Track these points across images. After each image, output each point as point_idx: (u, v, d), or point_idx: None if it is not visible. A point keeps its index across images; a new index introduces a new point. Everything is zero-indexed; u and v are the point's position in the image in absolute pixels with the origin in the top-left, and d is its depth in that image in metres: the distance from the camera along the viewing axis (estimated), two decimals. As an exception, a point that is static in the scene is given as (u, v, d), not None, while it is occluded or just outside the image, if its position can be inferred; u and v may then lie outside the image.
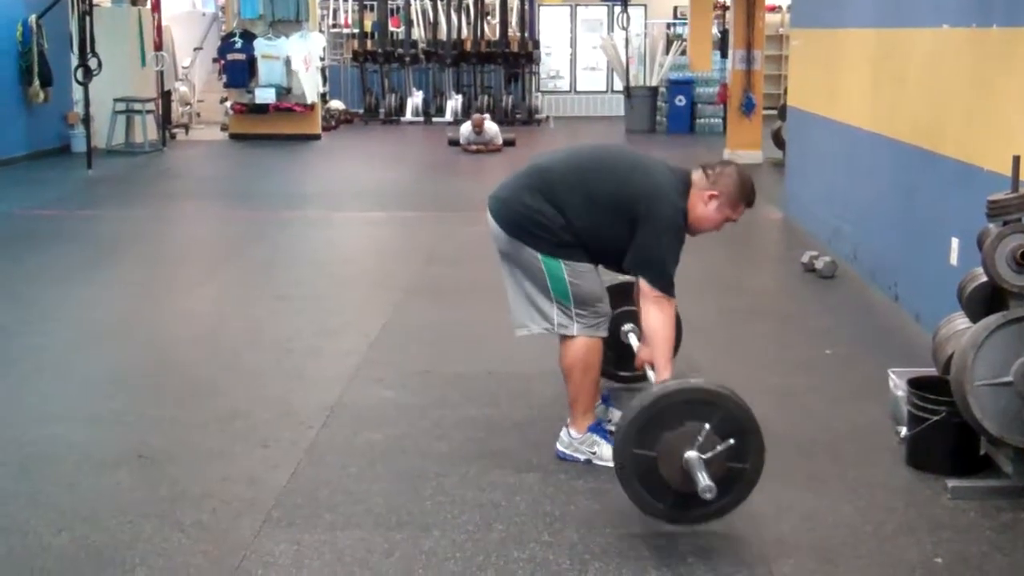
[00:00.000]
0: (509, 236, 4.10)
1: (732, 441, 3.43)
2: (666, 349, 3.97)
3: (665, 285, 3.95)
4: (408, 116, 19.10)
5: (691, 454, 3.42)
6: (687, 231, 4.09)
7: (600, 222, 3.99)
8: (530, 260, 4.06)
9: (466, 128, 15.03)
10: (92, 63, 12.81)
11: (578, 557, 3.46)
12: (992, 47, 5.19)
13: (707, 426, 3.43)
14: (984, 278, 3.99)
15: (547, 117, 19.79)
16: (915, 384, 4.20)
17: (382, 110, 19.20)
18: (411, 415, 4.73)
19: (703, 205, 4.05)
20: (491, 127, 15.02)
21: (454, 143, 15.20)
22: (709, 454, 3.42)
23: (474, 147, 14.76)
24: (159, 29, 15.98)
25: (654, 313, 3.94)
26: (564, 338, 4.12)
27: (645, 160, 4.18)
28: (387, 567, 3.39)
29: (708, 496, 3.37)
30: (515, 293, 4.20)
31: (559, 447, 4.20)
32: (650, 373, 4.09)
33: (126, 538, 3.57)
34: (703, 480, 3.37)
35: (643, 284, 3.97)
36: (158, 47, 15.82)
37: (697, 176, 4.08)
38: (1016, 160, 4.01)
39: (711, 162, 4.17)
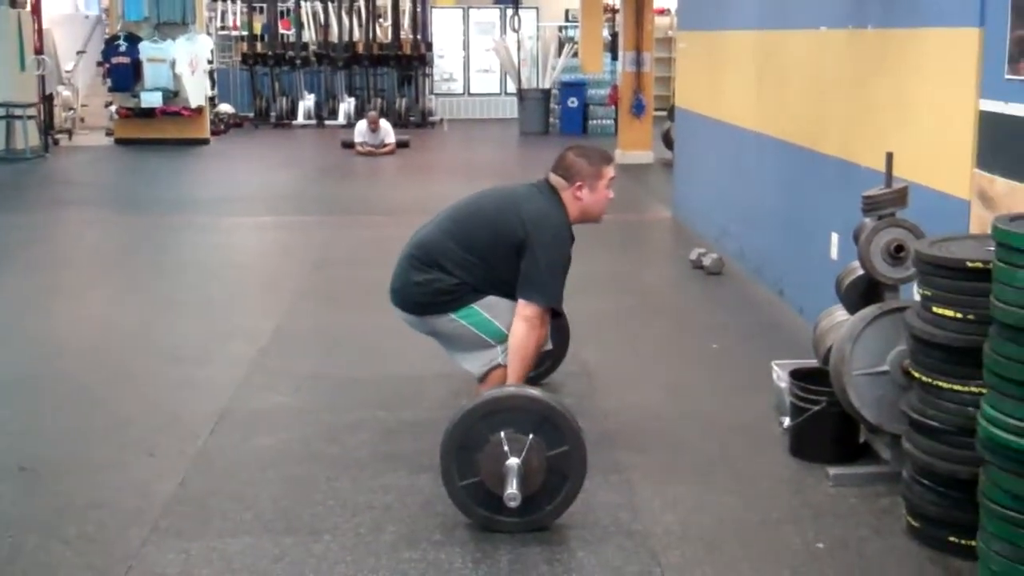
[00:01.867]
0: (419, 317, 4.22)
1: (531, 436, 3.52)
2: (522, 368, 4.06)
3: (548, 298, 4.05)
4: (300, 119, 18.92)
5: (511, 462, 3.51)
6: (589, 221, 4.24)
7: (494, 267, 4.11)
8: (449, 325, 4.17)
9: (361, 126, 14.98)
10: (-31, 67, 12.44)
11: (470, 556, 3.47)
12: (867, 48, 5.35)
13: (502, 434, 3.54)
14: (861, 271, 4.12)
15: (441, 120, 19.79)
16: (797, 375, 4.31)
17: (273, 113, 18.99)
18: (302, 420, 4.70)
19: (578, 201, 4.19)
20: (385, 126, 15.01)
21: (348, 145, 15.11)
22: (523, 453, 3.51)
23: (367, 149, 14.70)
24: (40, 32, 15.56)
25: (523, 331, 4.04)
26: (492, 369, 4.20)
27: (509, 193, 4.29)
28: (277, 572, 3.37)
29: (513, 504, 3.46)
30: (458, 355, 4.29)
31: None
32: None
33: (6, 553, 3.48)
34: (510, 488, 3.47)
35: (521, 304, 4.04)
36: (39, 50, 15.41)
37: (554, 180, 4.21)
38: (889, 156, 4.15)
39: (550, 165, 4.28)
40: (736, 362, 5.51)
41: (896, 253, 3.96)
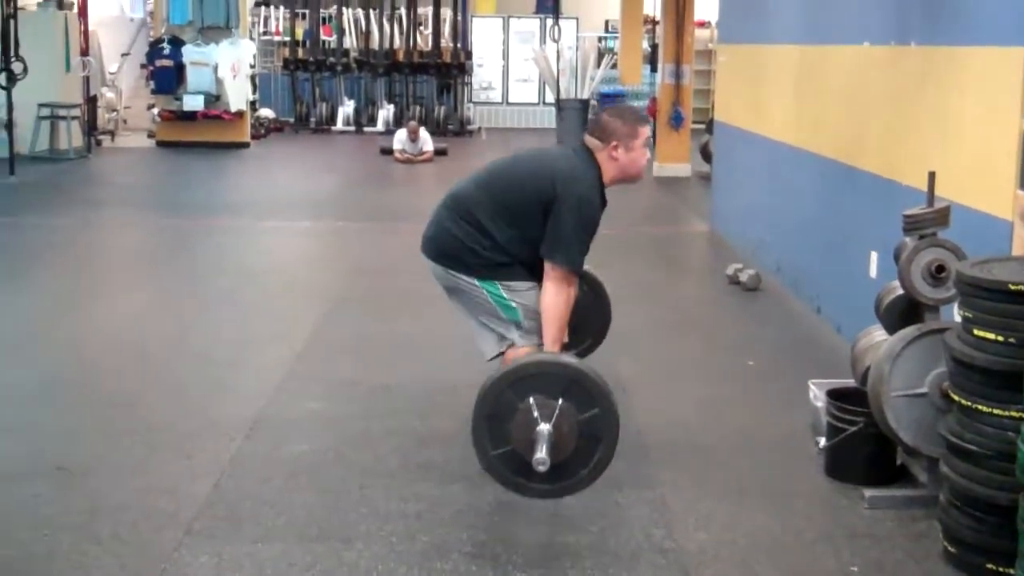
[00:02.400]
0: (445, 269, 4.17)
1: (561, 400, 3.50)
2: (555, 329, 4.01)
3: (571, 262, 4.01)
4: (339, 125, 19.00)
5: (542, 428, 3.49)
6: (628, 181, 4.22)
7: (524, 227, 4.06)
8: (470, 289, 4.13)
9: (401, 135, 15.02)
10: (16, 67, 12.57)
11: (501, 568, 3.47)
12: (910, 65, 5.31)
13: (531, 400, 3.51)
14: (900, 291, 4.08)
15: (479, 128, 19.80)
16: (834, 395, 4.27)
17: (313, 119, 19.07)
18: (336, 426, 4.71)
19: (615, 161, 4.15)
20: (424, 134, 15.05)
21: (386, 152, 15.16)
22: (553, 419, 3.49)
23: (406, 156, 14.75)
24: (86, 34, 15.73)
25: (552, 292, 3.99)
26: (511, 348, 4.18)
27: (544, 153, 4.37)
28: (309, 579, 3.38)
29: (541, 469, 3.44)
30: (474, 325, 4.26)
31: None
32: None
33: (42, 552, 3.51)
34: (539, 452, 3.45)
35: (547, 266, 4.01)
36: (84, 52, 15.56)
37: (590, 142, 4.19)
38: (931, 176, 4.12)
39: (587, 128, 4.28)
40: (772, 379, 5.47)
41: (937, 273, 3.93)
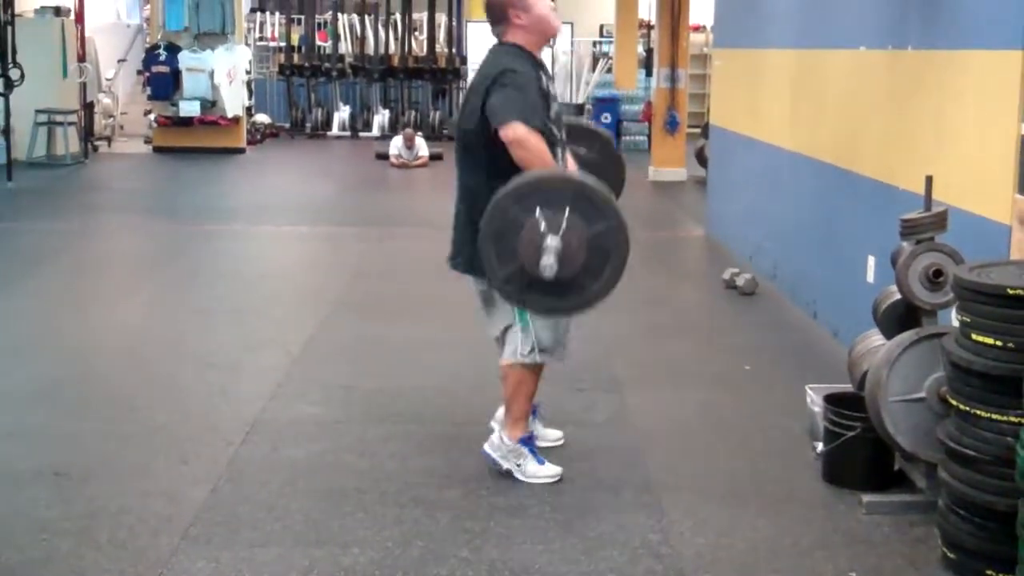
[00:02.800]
0: (475, 277, 4.12)
1: (568, 213, 3.46)
2: (540, 165, 3.83)
3: (506, 119, 3.83)
4: (335, 130, 19.00)
5: (548, 240, 3.47)
6: (547, 40, 4.16)
7: (479, 148, 3.99)
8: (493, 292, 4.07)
9: (397, 142, 15.04)
10: (14, 74, 12.55)
11: (497, 573, 3.46)
12: (907, 69, 5.32)
13: (538, 214, 3.49)
14: (898, 296, 4.09)
15: (475, 133, 19.81)
16: (831, 400, 4.27)
17: (308, 124, 19.08)
18: (333, 431, 4.71)
19: (523, 28, 4.06)
20: (420, 141, 15.08)
21: (382, 157, 15.18)
22: (560, 229, 3.46)
23: (402, 161, 14.76)
24: (83, 40, 15.70)
25: (518, 155, 3.83)
26: (504, 361, 4.18)
27: (476, 78, 4.17)
28: (306, 584, 3.37)
29: (548, 274, 3.44)
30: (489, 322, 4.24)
31: (486, 447, 4.20)
32: None
33: (40, 556, 3.50)
34: (545, 258, 3.44)
35: (500, 133, 3.85)
36: (81, 58, 15.55)
37: (494, 32, 4.13)
38: (928, 180, 4.12)
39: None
40: (769, 384, 5.47)
41: (935, 278, 3.93)
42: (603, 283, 3.58)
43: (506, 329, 4.17)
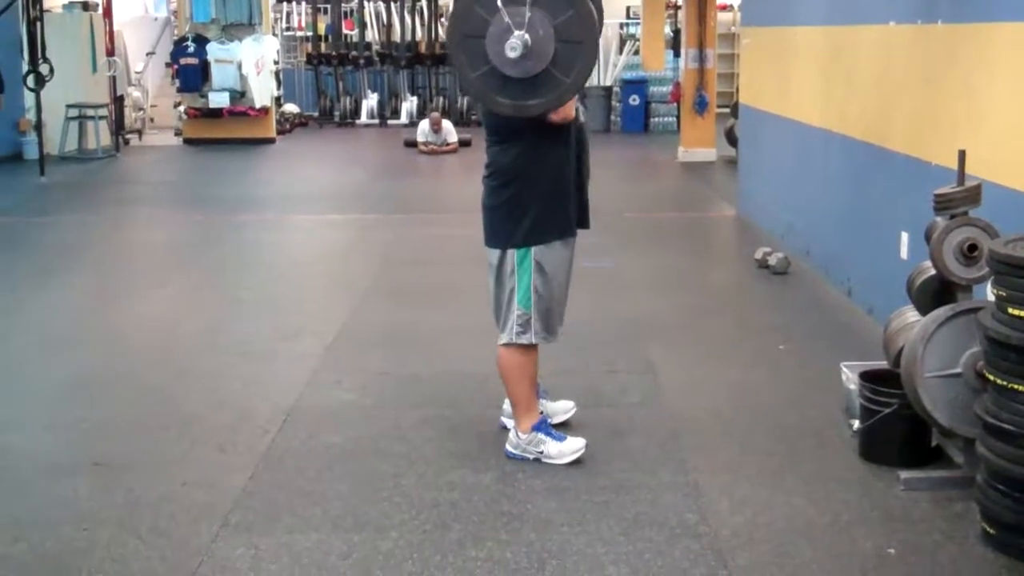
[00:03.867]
0: (488, 247, 4.16)
1: (531, 5, 3.44)
2: None
3: None
4: (363, 119, 19.05)
5: (515, 35, 3.46)
6: None
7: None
8: (503, 264, 4.10)
9: (424, 126, 15.04)
10: (44, 69, 12.66)
11: (536, 556, 3.47)
12: (937, 43, 5.27)
13: (501, 8, 3.46)
14: (932, 271, 4.06)
15: (503, 118, 19.78)
16: (867, 377, 4.25)
17: (337, 113, 19.13)
18: (369, 417, 4.73)
19: None
20: (447, 125, 15.05)
21: (410, 144, 15.19)
22: (525, 23, 3.45)
23: (430, 147, 14.76)
24: (111, 34, 15.82)
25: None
26: (501, 345, 4.21)
27: None
28: (345, 569, 3.39)
29: (512, 54, 3.42)
30: (493, 301, 4.26)
31: (508, 447, 4.24)
32: None
33: (82, 546, 3.55)
34: (512, 39, 3.43)
35: None
36: (110, 52, 15.67)
37: None
38: (962, 155, 4.09)
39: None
40: (803, 363, 5.45)
41: (969, 253, 3.90)
42: (576, 74, 3.54)
43: (503, 311, 4.17)
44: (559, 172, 4.07)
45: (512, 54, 3.40)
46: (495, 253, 4.15)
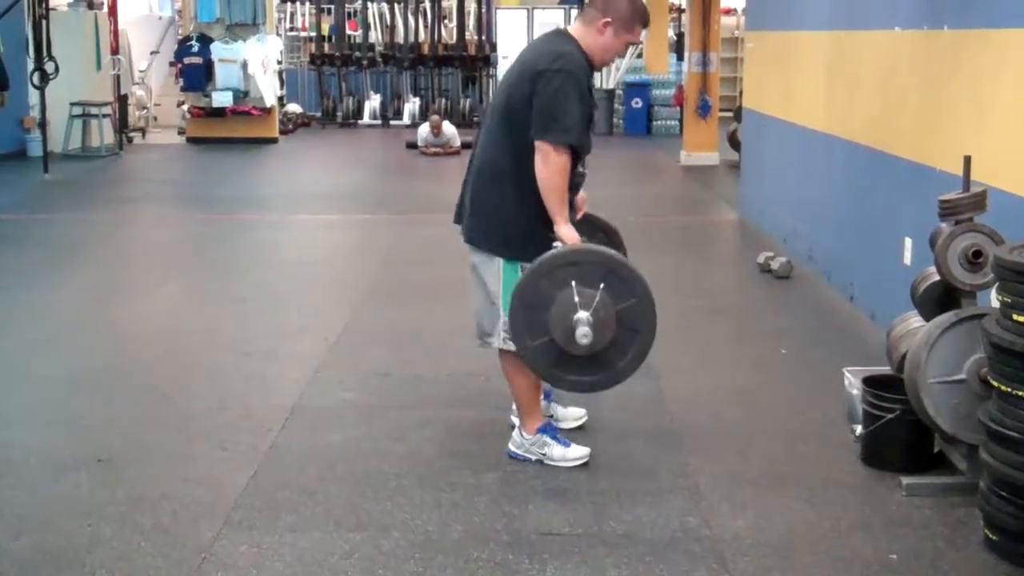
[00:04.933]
0: (471, 246, 4.16)
1: (602, 285, 3.52)
2: (554, 198, 3.90)
3: (551, 134, 3.89)
4: (366, 119, 19.06)
5: (580, 315, 3.53)
6: (591, 62, 4.08)
7: (521, 131, 3.96)
8: (486, 269, 4.10)
9: (424, 130, 15.04)
10: (48, 67, 12.68)
11: (537, 557, 3.47)
12: (942, 49, 5.27)
13: (569, 288, 3.54)
14: (936, 277, 4.06)
15: (505, 120, 19.79)
16: (870, 382, 4.25)
17: (339, 113, 19.14)
18: (371, 417, 4.73)
19: (599, 35, 4.06)
20: (449, 129, 15.04)
21: (412, 146, 15.19)
22: (593, 305, 3.52)
23: (432, 150, 14.76)
24: (116, 33, 15.82)
25: (539, 164, 3.90)
26: (502, 351, 4.18)
27: (523, 52, 4.20)
28: (347, 568, 3.39)
29: (584, 341, 3.50)
30: (474, 305, 4.26)
31: (511, 447, 4.24)
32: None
33: (85, 542, 3.55)
34: (581, 327, 3.50)
35: (536, 141, 3.90)
36: (115, 51, 15.67)
37: (588, 10, 4.10)
38: (967, 160, 4.09)
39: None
40: (806, 368, 5.45)
41: (974, 259, 3.90)
42: (630, 359, 3.65)
43: (489, 315, 4.15)
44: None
45: (584, 340, 3.49)
46: (481, 255, 4.14)
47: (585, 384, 3.63)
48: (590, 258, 3.62)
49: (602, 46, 4.07)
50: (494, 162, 4.08)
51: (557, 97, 3.90)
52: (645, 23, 4.15)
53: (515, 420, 4.38)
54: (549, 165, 3.89)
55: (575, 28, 4.12)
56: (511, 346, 4.02)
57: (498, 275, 4.06)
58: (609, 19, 4.03)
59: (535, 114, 3.92)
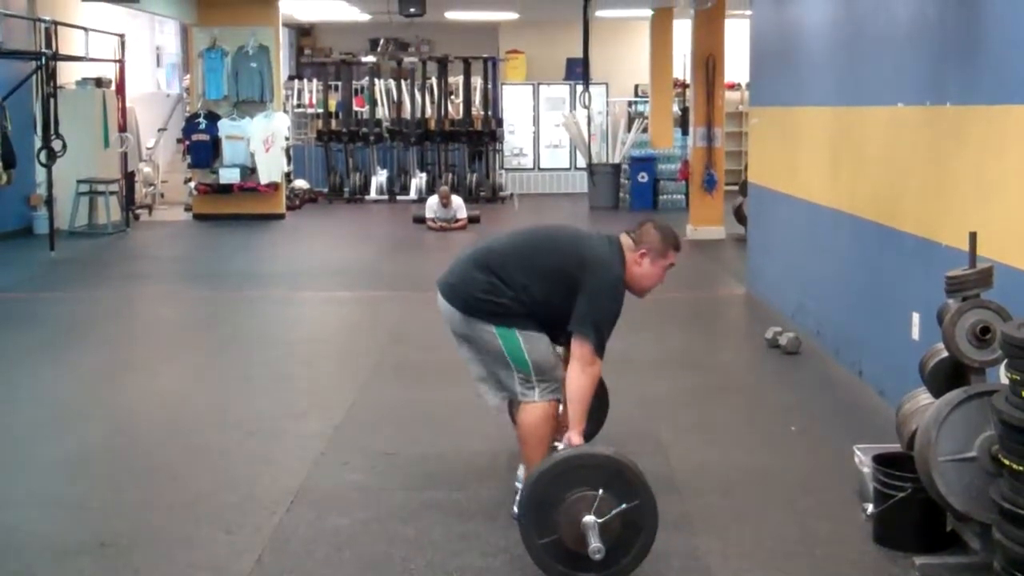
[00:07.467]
0: (464, 315, 4.27)
1: (625, 505, 3.63)
2: (580, 408, 4.09)
3: (599, 341, 4.11)
4: (372, 195, 19.16)
5: (588, 518, 3.62)
6: (633, 292, 4.35)
7: (549, 292, 4.19)
8: (485, 335, 4.24)
9: (433, 201, 15.11)
10: (56, 145, 12.78)
11: (547, 642, 3.42)
12: (946, 124, 5.30)
13: (576, 492, 3.65)
14: (945, 353, 4.04)
15: (511, 194, 19.90)
16: (880, 460, 4.21)
17: (346, 189, 19.25)
18: (377, 498, 4.69)
19: (638, 266, 4.31)
20: (457, 201, 15.12)
21: (419, 220, 15.24)
22: (605, 517, 3.61)
23: (440, 224, 14.82)
24: (123, 110, 15.99)
25: (578, 371, 4.09)
26: (523, 403, 4.25)
27: (583, 234, 4.44)
28: (353, 656, 3.34)
29: (598, 557, 3.55)
30: (476, 367, 4.40)
31: (516, 509, 4.18)
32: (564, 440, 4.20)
33: (86, 630, 3.50)
34: (593, 542, 3.56)
35: (575, 343, 4.11)
36: (122, 128, 15.81)
37: (624, 240, 4.34)
38: (972, 236, 4.09)
39: (631, 227, 4.42)
40: (816, 445, 5.41)
41: (982, 335, 3.88)
42: (632, 557, 3.72)
43: (496, 379, 4.30)
44: None
45: (597, 556, 3.57)
46: (473, 321, 4.24)
47: None
48: (596, 463, 3.76)
49: (641, 275, 4.35)
50: (502, 277, 4.23)
51: (610, 309, 4.18)
52: (677, 248, 4.42)
53: (519, 485, 4.35)
54: (587, 375, 4.07)
55: (625, 246, 4.34)
56: (532, 397, 4.17)
57: (494, 334, 4.20)
58: (644, 250, 4.31)
59: (588, 310, 4.12)
